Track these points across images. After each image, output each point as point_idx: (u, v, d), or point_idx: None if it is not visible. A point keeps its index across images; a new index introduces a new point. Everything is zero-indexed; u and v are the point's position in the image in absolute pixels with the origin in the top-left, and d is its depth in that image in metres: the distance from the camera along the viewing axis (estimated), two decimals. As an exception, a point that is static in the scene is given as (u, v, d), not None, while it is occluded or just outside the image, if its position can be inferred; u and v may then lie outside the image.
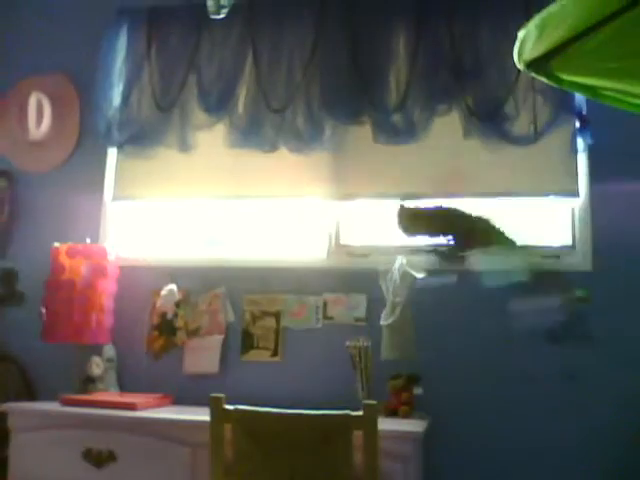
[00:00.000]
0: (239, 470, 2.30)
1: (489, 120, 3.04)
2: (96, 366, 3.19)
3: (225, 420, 2.31)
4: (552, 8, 1.79)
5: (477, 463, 2.89)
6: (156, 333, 3.31)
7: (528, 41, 1.89)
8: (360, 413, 2.23)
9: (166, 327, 3.30)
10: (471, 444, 2.90)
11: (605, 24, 1.77)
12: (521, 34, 1.91)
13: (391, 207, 3.09)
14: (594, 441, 2.80)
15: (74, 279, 3.17)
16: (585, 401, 2.84)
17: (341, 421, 2.26)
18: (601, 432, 2.80)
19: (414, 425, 2.62)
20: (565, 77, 2.01)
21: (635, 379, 2.80)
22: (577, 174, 3.05)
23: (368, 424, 2.23)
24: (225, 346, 3.23)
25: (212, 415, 2.32)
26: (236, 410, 2.31)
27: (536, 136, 3.01)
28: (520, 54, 1.94)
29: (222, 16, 2.25)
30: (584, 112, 3.03)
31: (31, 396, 3.34)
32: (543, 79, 2.02)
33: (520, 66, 1.96)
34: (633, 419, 2.77)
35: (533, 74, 2.03)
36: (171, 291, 3.27)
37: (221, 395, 2.32)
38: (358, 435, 2.22)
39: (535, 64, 1.94)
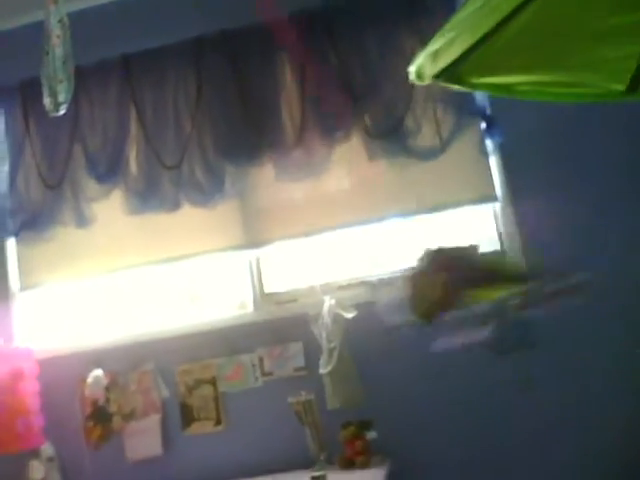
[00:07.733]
0: None
1: (391, 139, 2.89)
2: (36, 470, 2.98)
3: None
4: (438, 39, 1.75)
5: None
6: (91, 423, 3.08)
7: (425, 66, 1.88)
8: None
9: (100, 415, 3.08)
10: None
11: (507, 23, 1.76)
12: (413, 67, 1.88)
13: (308, 244, 3.01)
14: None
15: (-8, 388, 2.95)
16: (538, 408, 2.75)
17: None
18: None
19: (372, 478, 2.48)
20: (477, 80, 1.98)
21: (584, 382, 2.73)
22: (492, 177, 2.92)
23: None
24: (165, 424, 3.03)
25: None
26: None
27: (442, 146, 2.87)
28: (421, 76, 1.91)
29: (62, 112, 2.08)
30: (488, 112, 2.89)
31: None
32: (455, 87, 1.98)
33: (426, 81, 1.92)
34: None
35: (443, 84, 1.97)
36: (97, 377, 3.05)
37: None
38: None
39: (443, 75, 1.93)
